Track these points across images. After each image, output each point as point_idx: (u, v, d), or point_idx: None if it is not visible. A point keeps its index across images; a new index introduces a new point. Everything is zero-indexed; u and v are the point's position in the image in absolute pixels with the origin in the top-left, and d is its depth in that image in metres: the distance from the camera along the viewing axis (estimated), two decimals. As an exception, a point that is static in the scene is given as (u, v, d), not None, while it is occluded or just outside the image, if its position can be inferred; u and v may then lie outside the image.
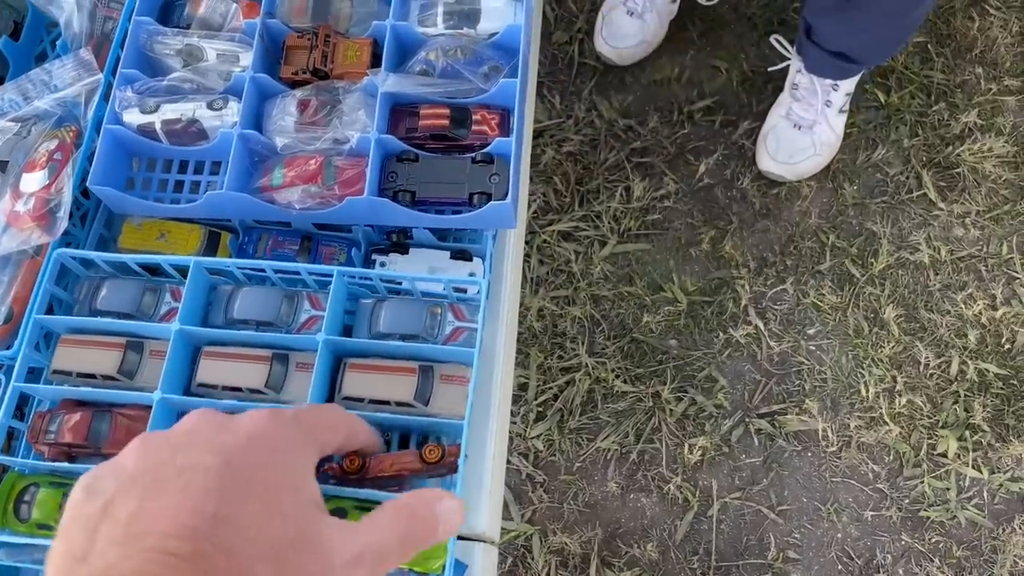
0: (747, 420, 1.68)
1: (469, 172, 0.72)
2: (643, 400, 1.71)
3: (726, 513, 1.64)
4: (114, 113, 0.74)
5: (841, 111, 1.70)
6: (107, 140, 0.74)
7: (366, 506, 0.61)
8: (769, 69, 1.78)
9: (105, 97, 0.77)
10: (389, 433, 0.69)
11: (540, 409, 1.70)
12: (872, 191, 1.77)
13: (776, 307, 1.74)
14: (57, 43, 0.81)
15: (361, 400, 0.67)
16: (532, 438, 1.68)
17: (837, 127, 1.71)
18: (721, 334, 1.73)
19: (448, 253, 0.76)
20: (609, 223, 1.80)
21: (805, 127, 1.68)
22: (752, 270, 1.76)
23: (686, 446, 1.67)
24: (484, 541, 0.69)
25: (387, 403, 0.67)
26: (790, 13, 1.91)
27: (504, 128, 0.74)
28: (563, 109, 1.87)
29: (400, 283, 0.71)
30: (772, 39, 1.72)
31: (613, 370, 1.72)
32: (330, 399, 0.68)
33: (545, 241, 1.79)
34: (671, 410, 1.69)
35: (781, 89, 1.80)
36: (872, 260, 1.74)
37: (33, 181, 0.72)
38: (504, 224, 0.73)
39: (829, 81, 1.65)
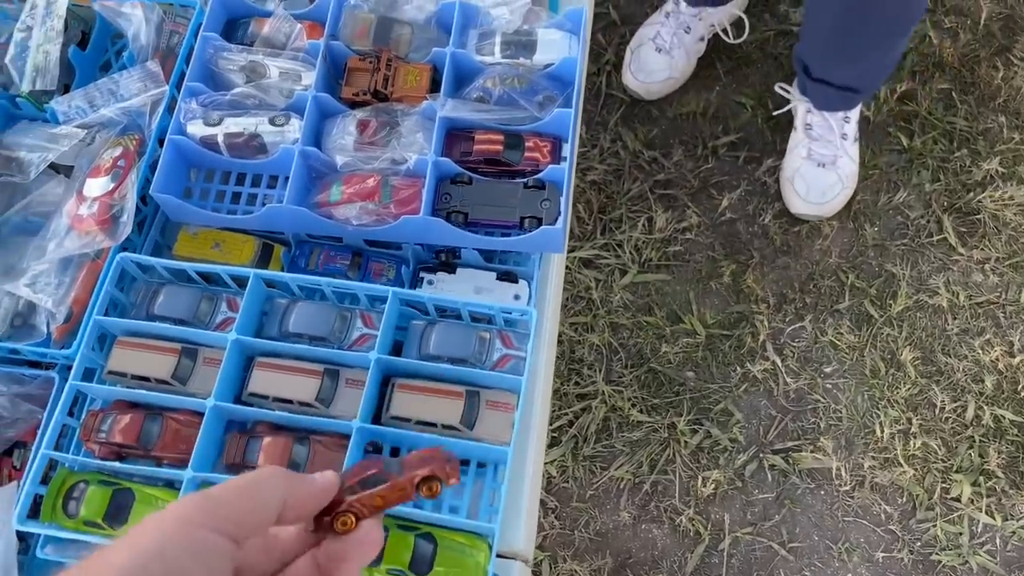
0: (761, 455, 1.68)
1: (521, 196, 0.74)
2: (658, 431, 1.71)
3: (737, 548, 1.64)
4: (179, 124, 0.76)
5: (855, 139, 1.75)
6: (170, 150, 0.76)
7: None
8: (774, 113, 1.81)
9: (169, 109, 0.79)
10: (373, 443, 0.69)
11: (555, 435, 1.70)
12: (892, 233, 1.79)
13: (794, 344, 1.75)
14: (123, 54, 0.84)
15: (408, 420, 0.68)
16: (546, 463, 1.68)
17: (855, 155, 1.76)
18: (738, 368, 1.74)
19: (494, 274, 0.78)
20: (630, 252, 1.82)
21: (828, 164, 1.72)
22: (771, 306, 1.77)
23: (700, 479, 1.67)
24: (520, 560, 0.70)
25: (434, 425, 0.68)
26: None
27: (556, 156, 0.76)
28: (588, 138, 1.90)
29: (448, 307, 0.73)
30: (777, 87, 1.77)
31: (629, 399, 1.73)
32: (377, 417, 0.69)
33: (566, 267, 1.80)
34: (686, 442, 1.69)
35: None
36: (891, 302, 1.75)
37: (97, 186, 0.74)
38: (552, 248, 0.74)
39: (841, 114, 1.70)
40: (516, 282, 0.78)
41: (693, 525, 1.65)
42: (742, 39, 1.85)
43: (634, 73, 1.86)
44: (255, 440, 0.68)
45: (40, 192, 0.77)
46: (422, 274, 0.79)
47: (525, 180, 0.74)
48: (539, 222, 0.73)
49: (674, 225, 1.84)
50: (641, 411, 1.72)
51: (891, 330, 1.74)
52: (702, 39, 1.87)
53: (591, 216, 1.84)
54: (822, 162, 1.71)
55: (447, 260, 0.79)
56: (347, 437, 0.68)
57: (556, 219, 0.72)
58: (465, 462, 0.72)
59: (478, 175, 0.76)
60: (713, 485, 1.67)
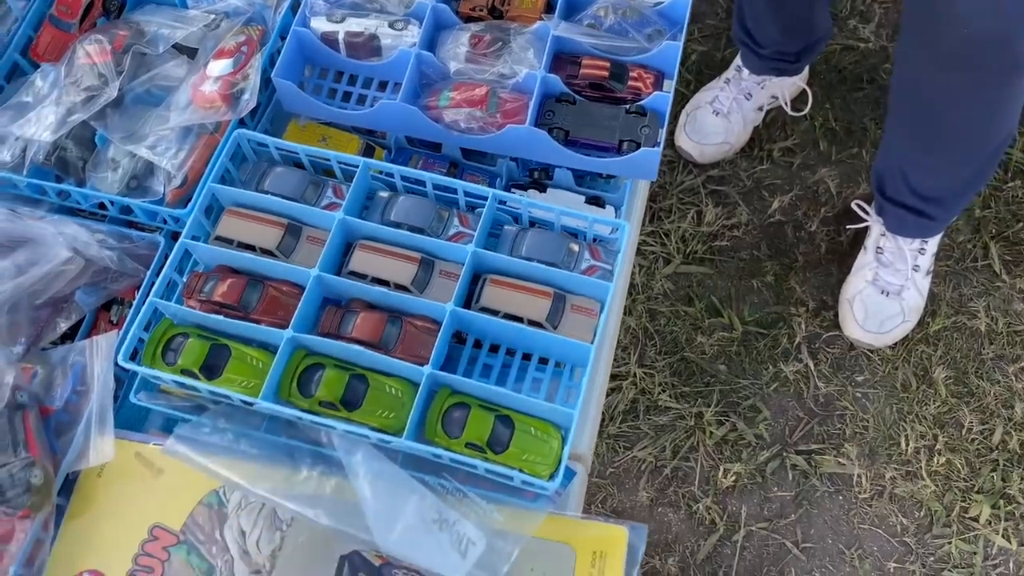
0: (784, 454, 1.70)
1: (622, 120, 0.78)
2: (685, 418, 1.73)
3: (750, 541, 1.65)
4: (304, 17, 0.80)
5: (928, 272, 1.68)
6: (293, 41, 0.80)
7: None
8: (848, 227, 1.77)
9: (293, 7, 0.83)
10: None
11: (585, 409, 1.73)
12: (938, 254, 1.81)
13: (829, 350, 1.77)
14: (253, -48, 0.88)
15: (496, 313, 0.72)
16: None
17: (924, 290, 1.69)
18: (771, 367, 1.76)
19: (583, 198, 0.81)
20: (676, 243, 1.85)
21: (893, 293, 1.66)
22: (810, 310, 1.79)
23: (721, 470, 1.69)
24: (582, 463, 0.73)
25: (520, 320, 0.71)
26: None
27: (657, 88, 0.80)
28: (649, 128, 1.93)
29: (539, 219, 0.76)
30: (853, 204, 1.71)
31: (660, 384, 1.75)
32: (467, 307, 0.72)
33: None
34: (711, 432, 1.71)
35: (862, 150, 1.84)
36: (929, 320, 1.77)
37: (220, 67, 0.78)
38: (647, 174, 0.78)
39: (917, 244, 1.64)
40: (603, 207, 0.81)
41: (709, 514, 1.67)
42: (804, 112, 1.84)
43: (689, 134, 1.84)
44: (351, 314, 0.71)
45: (164, 68, 0.81)
46: (513, 190, 0.82)
47: (627, 105, 0.78)
48: (637, 146, 0.76)
49: (723, 221, 1.87)
50: (670, 397, 1.75)
51: (926, 347, 1.76)
52: (760, 108, 1.84)
53: (646, 198, 1.87)
54: (887, 290, 1.66)
55: (539, 179, 0.82)
56: (438, 322, 0.71)
57: (655, 145, 0.75)
58: (545, 360, 0.75)
59: (581, 97, 0.79)
60: (733, 477, 1.69)
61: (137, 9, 0.85)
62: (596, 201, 0.81)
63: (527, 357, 0.75)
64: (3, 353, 0.70)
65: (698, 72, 2.02)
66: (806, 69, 1.88)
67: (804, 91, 1.87)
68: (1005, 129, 1.38)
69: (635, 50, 0.79)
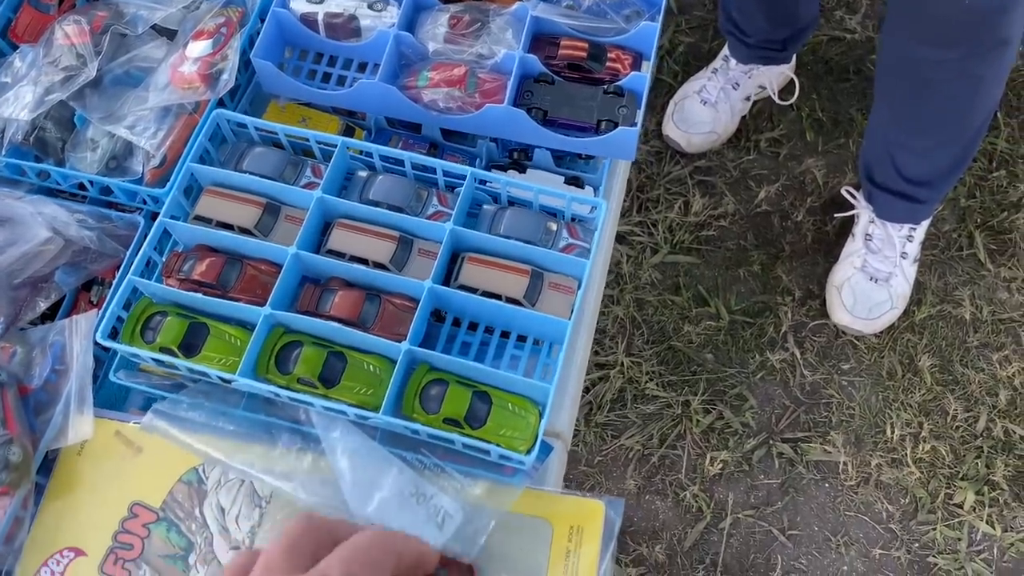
0: (771, 442, 1.71)
1: (600, 100, 0.78)
2: (672, 407, 1.74)
3: (737, 528, 1.66)
4: (284, -1, 0.80)
5: (915, 260, 1.70)
6: (272, 21, 0.80)
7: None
8: (836, 215, 1.79)
9: (273, -13, 0.83)
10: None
11: (573, 397, 1.73)
12: (924, 243, 1.82)
13: (815, 338, 1.78)
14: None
15: (475, 291, 0.72)
16: (561, 424, 1.71)
17: (911, 277, 1.71)
18: (757, 356, 1.77)
19: (562, 179, 0.82)
20: (664, 233, 1.86)
21: (882, 280, 1.68)
22: (796, 299, 1.80)
23: (708, 458, 1.70)
24: (561, 440, 0.74)
25: (498, 297, 0.72)
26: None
27: (636, 69, 0.80)
28: (636, 119, 1.94)
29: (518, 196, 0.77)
30: (843, 191, 1.73)
31: (647, 373, 1.76)
32: (445, 285, 0.73)
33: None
34: (698, 420, 1.72)
35: (848, 140, 1.86)
36: (914, 308, 1.78)
37: (199, 48, 0.78)
38: (624, 154, 0.78)
39: (905, 231, 1.66)
40: (582, 188, 0.81)
41: (696, 501, 1.68)
42: (791, 101, 1.85)
43: (676, 124, 1.85)
44: (329, 292, 0.72)
45: (143, 49, 0.81)
46: (493, 171, 0.82)
47: (605, 86, 0.78)
48: (615, 126, 0.77)
49: (709, 211, 1.87)
50: (657, 386, 1.76)
51: (912, 336, 1.77)
52: (748, 98, 1.85)
53: (629, 193, 1.88)
54: (875, 277, 1.68)
55: (518, 159, 0.82)
56: (416, 300, 0.71)
57: (633, 124, 0.76)
58: (523, 338, 0.75)
59: (560, 78, 0.80)
60: (720, 465, 1.70)
61: (116, -9, 0.85)
62: (575, 182, 0.82)
63: (505, 335, 0.75)
64: (-19, 332, 0.70)
65: (685, 63, 2.02)
66: (793, 58, 1.89)
67: (791, 81, 1.87)
68: (989, 105, 1.39)
69: (613, 31, 0.80)
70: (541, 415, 0.67)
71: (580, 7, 0.80)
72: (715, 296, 1.81)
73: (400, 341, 0.69)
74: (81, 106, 0.77)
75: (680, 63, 2.02)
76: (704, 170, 1.91)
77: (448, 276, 0.73)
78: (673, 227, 1.87)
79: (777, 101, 1.86)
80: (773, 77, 1.86)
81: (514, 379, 0.67)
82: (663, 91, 1.98)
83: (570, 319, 0.70)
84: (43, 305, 0.75)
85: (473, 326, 0.75)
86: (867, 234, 1.70)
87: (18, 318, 0.74)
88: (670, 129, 1.88)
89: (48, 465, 0.72)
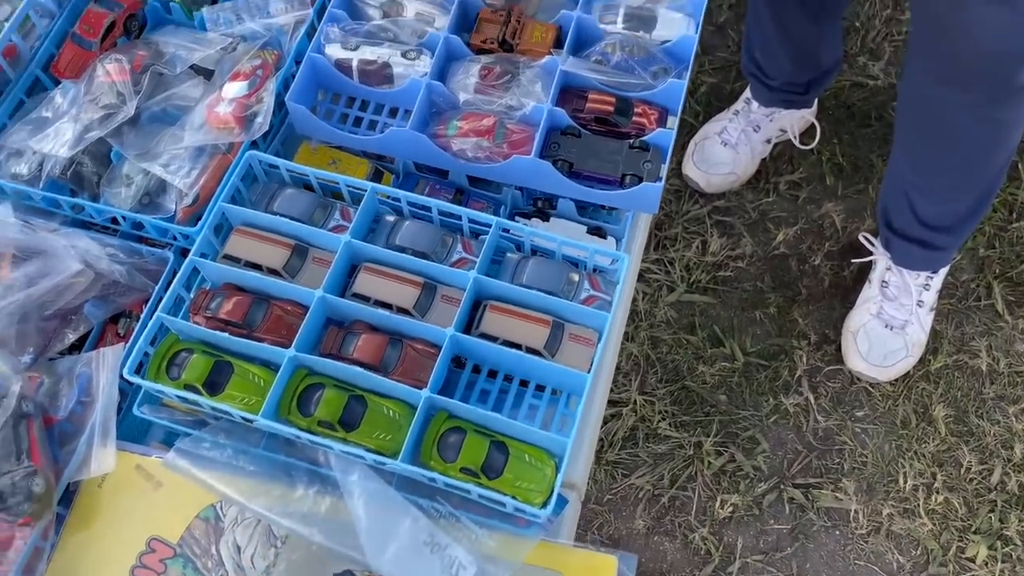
0: (782, 487, 1.70)
1: (625, 154, 0.79)
2: (684, 447, 1.74)
3: (745, 573, 1.65)
4: (319, 43, 0.82)
5: (931, 309, 1.69)
6: (307, 66, 0.82)
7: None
8: (854, 261, 1.78)
9: (308, 33, 0.85)
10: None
11: (585, 434, 1.73)
12: (941, 292, 1.82)
13: (829, 384, 1.77)
14: (270, -21, 0.90)
15: (495, 339, 0.73)
16: (572, 460, 1.71)
17: (927, 326, 1.70)
18: (771, 399, 1.76)
19: (585, 228, 0.83)
20: (680, 271, 1.86)
21: (897, 327, 1.66)
22: (812, 344, 1.80)
23: (718, 500, 1.69)
24: (575, 490, 0.74)
25: (519, 347, 0.73)
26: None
27: (661, 125, 0.81)
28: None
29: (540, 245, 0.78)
30: (861, 237, 1.72)
31: (660, 412, 1.76)
32: (467, 332, 0.73)
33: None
34: (709, 462, 1.72)
35: (868, 186, 1.85)
36: (930, 357, 1.77)
37: (235, 89, 0.80)
38: (647, 208, 0.79)
39: (922, 279, 1.65)
40: (604, 238, 0.82)
41: (705, 544, 1.67)
42: (812, 146, 1.86)
43: (696, 164, 1.85)
44: (352, 335, 0.73)
45: (181, 88, 0.83)
46: (517, 218, 0.83)
47: (631, 140, 0.79)
48: (640, 180, 0.78)
49: (727, 251, 1.88)
50: (670, 426, 1.75)
51: (927, 385, 1.76)
52: (768, 141, 1.85)
53: (647, 230, 1.89)
54: (891, 324, 1.67)
55: (543, 208, 0.84)
56: (438, 347, 0.72)
57: (657, 180, 0.77)
58: (542, 388, 0.76)
59: (586, 131, 0.81)
60: (730, 508, 1.69)
61: (157, 30, 0.87)
62: (598, 232, 0.83)
63: (525, 383, 0.76)
64: (11, 362, 0.72)
65: (707, 103, 2.04)
66: (815, 102, 1.90)
67: (812, 125, 1.88)
68: (1008, 149, 1.39)
69: (640, 87, 0.81)
70: (558, 468, 0.68)
71: (609, 62, 0.81)
72: (730, 337, 1.81)
73: (421, 387, 0.69)
74: (118, 142, 0.79)
75: (702, 103, 2.03)
76: (723, 210, 1.92)
77: (470, 323, 0.74)
78: (690, 266, 1.88)
79: (798, 145, 1.87)
80: (794, 121, 1.87)
81: (532, 431, 0.68)
82: (684, 131, 1.99)
83: (589, 372, 0.70)
84: (72, 336, 0.76)
85: (493, 373, 0.76)
86: (884, 281, 1.70)
87: (47, 348, 0.76)
88: (690, 169, 1.89)
89: (69, 496, 0.73)
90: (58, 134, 0.77)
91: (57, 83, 0.84)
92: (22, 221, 0.78)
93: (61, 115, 0.79)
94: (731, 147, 1.85)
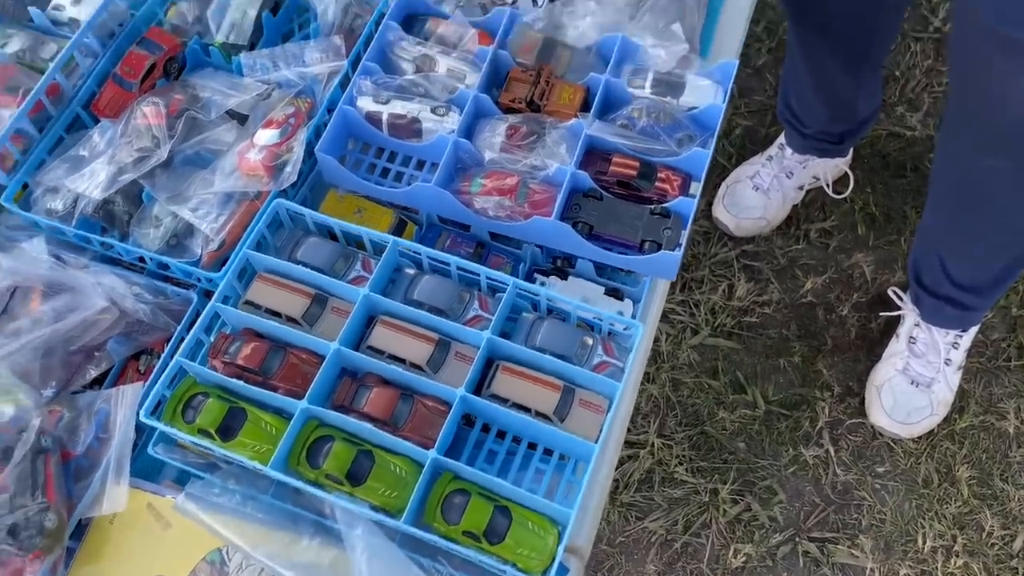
0: (797, 540, 1.68)
1: (646, 220, 0.79)
2: (700, 493, 1.72)
3: (756, 625, 1.63)
4: (351, 95, 0.84)
5: (959, 368, 1.66)
6: (339, 117, 0.84)
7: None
8: (882, 314, 1.76)
9: (342, 84, 0.87)
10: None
11: (600, 474, 1.72)
12: (970, 350, 1.79)
13: (851, 437, 1.75)
14: (307, 27, 0.92)
15: (506, 401, 0.73)
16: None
17: (954, 385, 1.67)
18: (791, 449, 1.74)
19: (602, 289, 0.83)
20: (705, 314, 1.85)
21: (923, 384, 1.62)
22: (835, 395, 1.78)
23: (731, 549, 1.68)
24: (578, 556, 0.74)
25: (528, 411, 0.73)
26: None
27: (683, 191, 0.82)
28: (687, 199, 1.95)
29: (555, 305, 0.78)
30: (889, 292, 1.70)
31: (677, 456, 1.75)
32: (477, 393, 0.74)
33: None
34: (725, 510, 1.70)
35: (900, 237, 1.83)
36: (956, 416, 1.74)
37: (267, 136, 0.82)
38: (665, 275, 0.79)
39: (951, 337, 1.62)
40: (621, 300, 0.83)
41: (716, 593, 1.65)
42: (845, 195, 1.84)
43: (726, 207, 1.84)
44: (365, 388, 0.74)
45: (214, 132, 0.85)
46: (536, 275, 0.84)
47: (652, 207, 0.80)
48: (659, 247, 0.78)
49: (754, 297, 1.87)
50: (687, 471, 1.74)
51: (951, 444, 1.73)
52: (801, 188, 1.84)
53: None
54: (917, 381, 1.64)
55: (561, 267, 0.84)
56: (448, 404, 0.73)
57: (676, 248, 0.77)
58: (548, 452, 0.76)
59: (608, 194, 0.81)
60: (743, 559, 1.67)
61: (195, 72, 0.89)
62: (615, 293, 0.83)
63: (533, 446, 0.76)
64: (33, 397, 0.74)
65: (741, 146, 2.03)
66: (850, 151, 1.89)
67: (846, 174, 1.87)
68: None
69: (665, 153, 0.81)
70: (560, 536, 0.68)
71: (634, 127, 0.82)
72: (753, 384, 1.80)
73: (429, 446, 0.70)
74: (150, 184, 0.81)
75: (736, 145, 2.03)
76: (751, 255, 1.91)
77: (482, 382, 0.75)
78: (715, 309, 1.87)
79: (830, 194, 1.86)
80: (828, 169, 1.85)
81: (536, 499, 0.68)
82: (716, 172, 1.98)
83: (597, 441, 0.71)
84: (93, 372, 0.78)
85: (502, 434, 0.77)
86: (911, 336, 1.67)
87: (70, 383, 0.78)
88: (720, 211, 1.88)
89: (81, 530, 0.74)
90: (93, 175, 0.79)
91: (97, 121, 0.87)
92: (54, 256, 0.81)
93: (97, 155, 0.81)
94: (763, 192, 1.84)
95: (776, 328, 1.84)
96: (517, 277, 0.83)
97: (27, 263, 0.78)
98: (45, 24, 0.89)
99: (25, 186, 0.84)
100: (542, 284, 0.83)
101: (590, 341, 0.77)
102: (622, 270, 0.84)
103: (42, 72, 0.84)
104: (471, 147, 0.82)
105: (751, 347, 1.82)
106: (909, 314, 1.69)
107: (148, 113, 0.82)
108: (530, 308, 0.80)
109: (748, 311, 1.86)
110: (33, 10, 0.88)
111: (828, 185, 1.86)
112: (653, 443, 1.75)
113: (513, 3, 0.92)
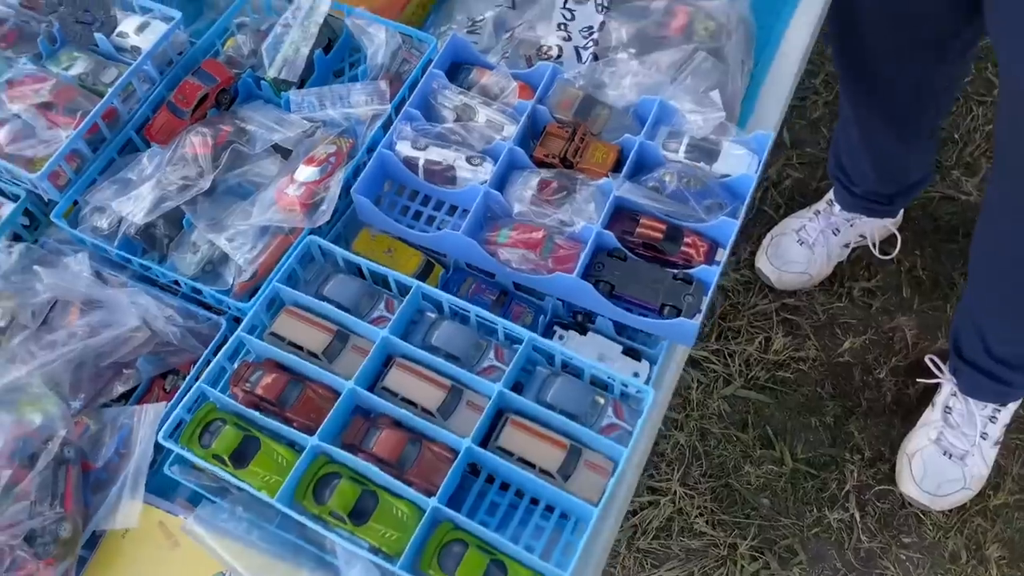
0: (815, 604, 1.64)
1: (667, 284, 0.80)
2: (718, 547, 1.70)
3: None
4: (391, 139, 0.86)
5: (996, 443, 1.61)
6: (377, 160, 0.86)
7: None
8: (919, 380, 1.71)
9: (384, 126, 0.90)
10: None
11: (618, 517, 1.72)
12: (1010, 424, 1.74)
13: (878, 504, 1.71)
14: (357, 67, 0.95)
15: (512, 455, 0.74)
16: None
17: (990, 460, 1.61)
18: (815, 510, 1.71)
19: (620, 348, 0.84)
20: (740, 365, 1.84)
21: (956, 457, 1.59)
22: (865, 459, 1.74)
23: (746, 607, 1.65)
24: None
25: (533, 466, 0.74)
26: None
27: (709, 258, 0.82)
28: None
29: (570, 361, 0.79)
30: (927, 359, 1.66)
31: (699, 507, 1.73)
32: (484, 443, 0.75)
33: (674, 362, 1.83)
34: (743, 567, 1.68)
35: (946, 303, 1.80)
36: (991, 492, 1.69)
37: (307, 173, 0.84)
38: (683, 340, 0.79)
39: (989, 410, 1.58)
40: (639, 360, 0.83)
41: (728, 651, 1.63)
42: (891, 256, 1.81)
43: (770, 258, 1.83)
44: (375, 429, 0.75)
45: (258, 164, 0.88)
46: (555, 327, 0.85)
47: (675, 271, 0.80)
48: (678, 312, 0.78)
49: (790, 352, 1.84)
50: (707, 523, 1.72)
51: (983, 521, 1.68)
52: (847, 245, 1.82)
53: (711, 319, 1.87)
54: (951, 453, 1.60)
55: (581, 322, 0.85)
56: (455, 452, 0.74)
57: (695, 315, 0.77)
58: (550, 508, 0.77)
59: (633, 255, 0.82)
60: (758, 618, 1.64)
61: (246, 103, 0.93)
62: (633, 353, 0.84)
63: (535, 501, 0.77)
64: (61, 408, 0.77)
65: (790, 197, 2.01)
66: (900, 212, 1.86)
67: (894, 234, 1.84)
68: None
69: (693, 218, 0.82)
70: (554, 595, 0.68)
71: (664, 190, 0.83)
72: (782, 440, 1.77)
73: (432, 492, 0.71)
74: (192, 211, 0.85)
75: (784, 196, 2.01)
76: (791, 308, 1.89)
77: (490, 433, 0.76)
78: (750, 361, 1.85)
79: (876, 254, 1.83)
80: (876, 229, 1.83)
81: (532, 559, 0.69)
82: (763, 221, 1.97)
83: (598, 504, 0.71)
84: (121, 388, 0.82)
85: (505, 486, 0.78)
86: (947, 406, 1.64)
87: (97, 397, 0.81)
88: (763, 263, 1.87)
89: (95, 539, 0.77)
90: (139, 199, 0.83)
91: (148, 145, 0.91)
92: (95, 272, 0.84)
93: (144, 179, 0.85)
94: (807, 246, 1.82)
95: (810, 385, 1.81)
96: (538, 328, 0.84)
97: (68, 279, 0.82)
98: (109, 49, 0.93)
99: (75, 203, 0.88)
100: (560, 337, 0.84)
101: (602, 401, 0.77)
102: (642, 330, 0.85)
103: (101, 95, 0.88)
104: (501, 199, 0.84)
105: (783, 402, 1.80)
106: (946, 383, 1.65)
107: (196, 143, 0.85)
108: (545, 362, 0.81)
109: (783, 365, 1.84)
110: (99, 36, 0.92)
111: (875, 245, 1.83)
112: (675, 491, 1.74)
113: (558, 58, 0.93)
